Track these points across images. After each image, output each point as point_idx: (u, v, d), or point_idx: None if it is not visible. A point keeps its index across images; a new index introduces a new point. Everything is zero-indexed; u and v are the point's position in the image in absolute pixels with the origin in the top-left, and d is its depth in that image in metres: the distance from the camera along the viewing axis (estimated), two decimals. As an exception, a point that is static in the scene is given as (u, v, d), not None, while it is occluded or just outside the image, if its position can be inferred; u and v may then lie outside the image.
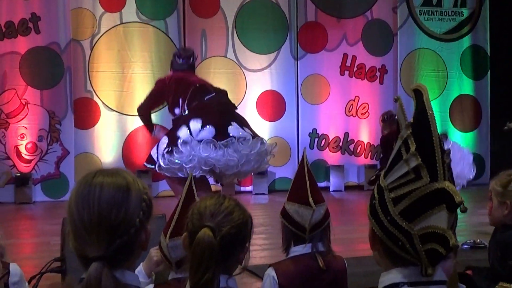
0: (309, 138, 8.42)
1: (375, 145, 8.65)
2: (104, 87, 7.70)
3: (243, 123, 5.52)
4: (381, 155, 6.84)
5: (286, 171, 8.27)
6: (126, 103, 7.76)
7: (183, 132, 5.33)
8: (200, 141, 5.24)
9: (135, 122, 7.78)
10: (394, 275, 1.71)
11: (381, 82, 8.69)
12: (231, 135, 5.30)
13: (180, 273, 2.57)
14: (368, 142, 8.64)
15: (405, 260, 1.68)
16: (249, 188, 8.14)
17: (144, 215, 1.69)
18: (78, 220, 1.64)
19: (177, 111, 5.56)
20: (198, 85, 5.56)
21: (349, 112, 8.58)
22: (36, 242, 5.24)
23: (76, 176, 7.54)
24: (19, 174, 7.41)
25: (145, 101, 5.80)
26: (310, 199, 2.93)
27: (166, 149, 5.32)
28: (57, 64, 7.49)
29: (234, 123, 5.40)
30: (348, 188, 8.44)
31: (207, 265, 1.87)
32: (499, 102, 9.07)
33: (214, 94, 5.54)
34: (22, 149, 7.46)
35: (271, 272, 2.86)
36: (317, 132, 8.44)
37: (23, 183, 7.38)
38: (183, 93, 5.54)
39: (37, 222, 6.27)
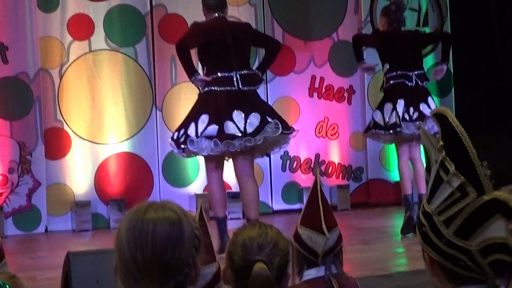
0: (281, 160, 8.43)
1: (346, 165, 8.69)
2: (75, 116, 7.60)
3: (253, 109, 5.55)
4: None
5: (259, 194, 8.22)
6: (97, 131, 7.67)
7: (191, 130, 5.48)
8: (206, 137, 5.41)
9: (107, 151, 7.70)
10: None
11: (349, 103, 8.76)
12: (226, 132, 5.39)
13: (199, 303, 2.53)
14: (339, 163, 8.68)
15: (469, 279, 1.68)
16: (223, 213, 8.07)
17: (196, 251, 1.65)
18: (130, 259, 1.59)
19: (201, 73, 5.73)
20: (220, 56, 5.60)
21: (319, 133, 8.62)
22: (21, 277, 5.10)
23: (48, 208, 7.42)
24: (-11, 208, 7.25)
25: (184, 37, 5.74)
26: (324, 227, 2.90)
27: (179, 148, 5.57)
28: (26, 94, 7.37)
29: (237, 115, 5.45)
30: (320, 209, 8.44)
31: None
32: (464, 118, 9.17)
33: (232, 73, 5.58)
34: (-8, 182, 7.31)
35: (287, 297, 2.84)
36: (289, 154, 8.45)
37: (-7, 217, 7.21)
38: (208, 60, 5.68)
39: (15, 257, 6.10)
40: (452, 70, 9.21)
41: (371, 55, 7.10)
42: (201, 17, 8.02)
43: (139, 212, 1.65)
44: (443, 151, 1.73)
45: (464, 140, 1.72)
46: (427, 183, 1.91)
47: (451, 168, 1.71)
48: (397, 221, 7.30)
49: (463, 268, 1.66)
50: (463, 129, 1.76)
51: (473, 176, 1.69)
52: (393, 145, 6.91)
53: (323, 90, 8.67)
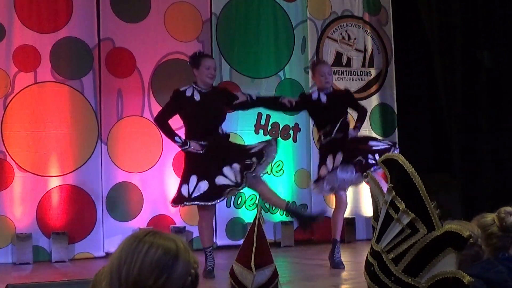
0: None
1: (290, 202, 8.71)
2: (18, 147, 7.52)
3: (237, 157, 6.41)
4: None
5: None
6: (40, 163, 7.59)
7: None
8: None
9: (50, 183, 7.62)
10: None
11: (294, 140, 8.84)
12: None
13: None
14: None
15: None
16: (166, 248, 8.04)
17: None
18: (116, 272, 1.57)
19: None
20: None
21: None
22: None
23: (-12, 241, 7.31)
24: None
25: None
26: (252, 263, 2.92)
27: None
28: (-31, 125, 7.30)
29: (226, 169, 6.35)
30: (264, 245, 8.45)
31: None
32: (406, 157, 9.35)
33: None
34: None
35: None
36: (234, 190, 8.44)
37: None
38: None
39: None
40: (395, 111, 9.38)
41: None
42: (148, 52, 8.12)
43: (139, 233, 1.67)
44: (393, 191, 1.76)
45: (414, 179, 1.76)
46: (373, 228, 1.92)
47: (401, 206, 1.73)
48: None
49: None
50: (413, 169, 1.80)
51: (423, 213, 1.70)
52: None
53: (269, 127, 8.73)
